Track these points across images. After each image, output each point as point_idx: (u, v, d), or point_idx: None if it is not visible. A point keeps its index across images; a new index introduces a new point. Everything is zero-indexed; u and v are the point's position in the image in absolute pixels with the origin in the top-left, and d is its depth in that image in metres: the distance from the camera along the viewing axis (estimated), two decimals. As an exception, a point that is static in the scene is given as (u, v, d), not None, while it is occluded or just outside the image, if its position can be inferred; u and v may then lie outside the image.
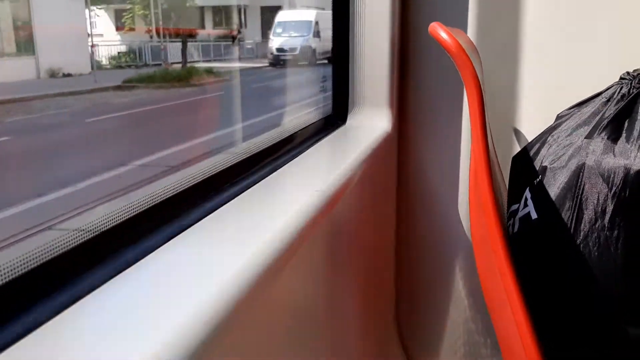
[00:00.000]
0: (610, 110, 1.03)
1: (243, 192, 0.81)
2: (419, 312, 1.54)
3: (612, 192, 0.95)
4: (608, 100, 1.06)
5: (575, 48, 1.27)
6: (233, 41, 10.58)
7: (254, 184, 0.85)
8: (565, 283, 0.99)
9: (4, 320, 0.45)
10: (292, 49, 11.52)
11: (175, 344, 0.42)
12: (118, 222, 0.63)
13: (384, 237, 1.42)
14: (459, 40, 0.83)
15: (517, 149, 1.31)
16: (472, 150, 0.86)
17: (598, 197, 0.96)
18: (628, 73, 1.05)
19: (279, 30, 12.05)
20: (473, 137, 0.84)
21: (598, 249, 0.96)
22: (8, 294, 0.48)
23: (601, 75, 1.09)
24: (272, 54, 11.48)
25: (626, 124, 0.99)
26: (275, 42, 11.59)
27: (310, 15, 12.16)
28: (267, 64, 11.45)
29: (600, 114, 1.05)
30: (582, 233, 0.97)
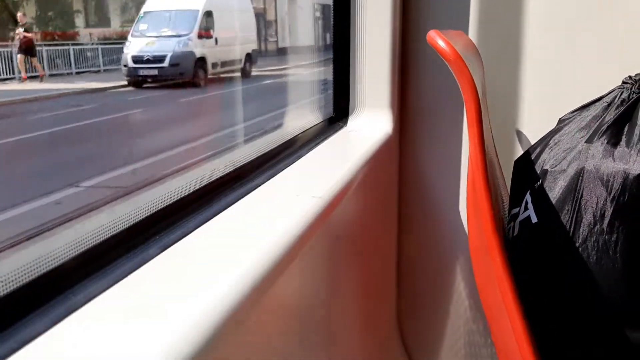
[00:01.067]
0: (611, 115, 1.03)
1: (242, 197, 0.81)
2: (421, 314, 1.55)
3: (611, 197, 0.95)
4: (609, 105, 1.06)
5: (577, 50, 1.26)
6: (20, 51, 5.66)
7: (254, 189, 0.85)
8: (565, 286, 1.00)
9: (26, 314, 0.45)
10: (158, 59, 6.73)
11: (172, 352, 0.42)
12: (110, 234, 0.62)
13: (386, 240, 1.43)
14: (459, 43, 0.83)
15: (520, 151, 1.31)
16: (469, 157, 0.87)
17: (597, 201, 0.96)
18: (630, 77, 1.04)
19: (142, 26, 7.16)
20: (470, 144, 0.84)
21: (597, 252, 0.96)
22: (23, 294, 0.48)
23: (604, 78, 1.09)
24: (126, 66, 6.78)
25: (626, 129, 0.99)
26: (133, 46, 6.80)
27: (196, 1, 7.39)
28: (126, 83, 6.64)
29: (601, 118, 1.05)
30: (581, 237, 0.97)
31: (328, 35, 1.38)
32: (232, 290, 0.53)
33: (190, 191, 0.77)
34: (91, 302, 0.51)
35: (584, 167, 0.99)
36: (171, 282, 0.57)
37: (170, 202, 0.73)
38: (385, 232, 1.42)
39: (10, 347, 0.44)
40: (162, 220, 0.70)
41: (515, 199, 1.11)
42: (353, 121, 1.33)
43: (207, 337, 0.47)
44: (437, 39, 0.81)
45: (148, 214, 0.69)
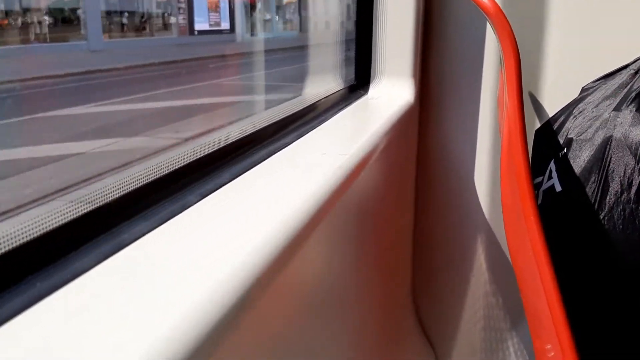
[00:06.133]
0: (639, 83, 1.02)
1: (266, 159, 0.80)
2: (436, 289, 1.54)
3: (639, 165, 0.94)
4: (636, 73, 1.05)
5: (599, 20, 1.24)
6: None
7: (278, 151, 0.84)
8: (589, 255, 0.99)
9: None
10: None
11: (187, 324, 0.39)
12: (123, 193, 0.61)
13: (403, 211, 1.42)
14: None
15: (538, 122, 1.29)
16: (507, 118, 0.85)
17: (625, 169, 0.95)
18: None
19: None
20: (509, 104, 0.83)
21: (623, 221, 0.95)
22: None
23: (627, 47, 1.07)
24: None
25: None
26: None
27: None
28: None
29: (628, 86, 1.03)
30: (607, 206, 0.96)
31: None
32: (271, 241, 0.52)
33: (226, 144, 0.77)
34: (138, 240, 0.51)
35: (612, 135, 0.97)
36: (211, 230, 0.56)
37: (208, 152, 0.73)
38: (402, 204, 1.41)
39: (65, 278, 0.44)
40: (200, 169, 0.70)
41: (538, 168, 1.10)
42: (374, 89, 1.32)
43: (249, 282, 0.46)
44: None
45: (187, 162, 0.68)
